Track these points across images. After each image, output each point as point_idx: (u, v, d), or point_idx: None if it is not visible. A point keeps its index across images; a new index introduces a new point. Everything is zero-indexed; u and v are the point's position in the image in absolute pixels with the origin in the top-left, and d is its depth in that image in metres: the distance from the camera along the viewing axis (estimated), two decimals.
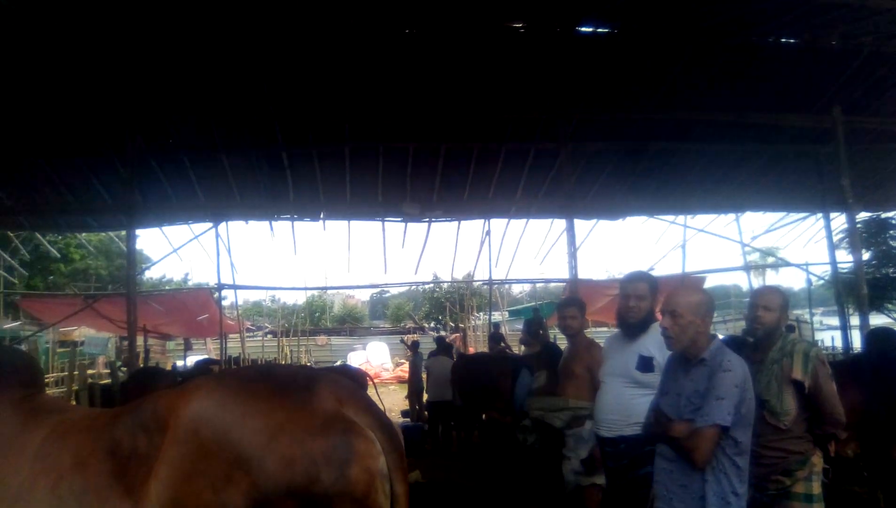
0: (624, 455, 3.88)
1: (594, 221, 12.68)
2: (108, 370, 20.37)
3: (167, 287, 28.48)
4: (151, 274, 31.56)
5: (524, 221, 13.04)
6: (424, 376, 12.46)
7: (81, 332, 21.29)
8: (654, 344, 3.87)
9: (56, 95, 8.44)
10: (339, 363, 21.96)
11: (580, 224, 11.63)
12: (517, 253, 15.32)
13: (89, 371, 13.27)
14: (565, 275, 10.29)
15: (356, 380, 8.01)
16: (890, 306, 11.10)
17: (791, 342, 3.73)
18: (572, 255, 9.40)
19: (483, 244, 13.69)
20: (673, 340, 3.14)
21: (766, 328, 3.75)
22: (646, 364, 3.87)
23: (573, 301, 5.45)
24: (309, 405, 2.24)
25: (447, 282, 30.98)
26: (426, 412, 12.31)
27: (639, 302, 3.99)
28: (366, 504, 2.15)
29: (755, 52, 8.25)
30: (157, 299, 15.04)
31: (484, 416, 10.14)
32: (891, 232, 11.13)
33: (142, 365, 11.30)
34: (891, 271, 11.06)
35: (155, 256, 29.37)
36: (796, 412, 3.58)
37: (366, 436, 2.22)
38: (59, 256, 24.79)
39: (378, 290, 51.78)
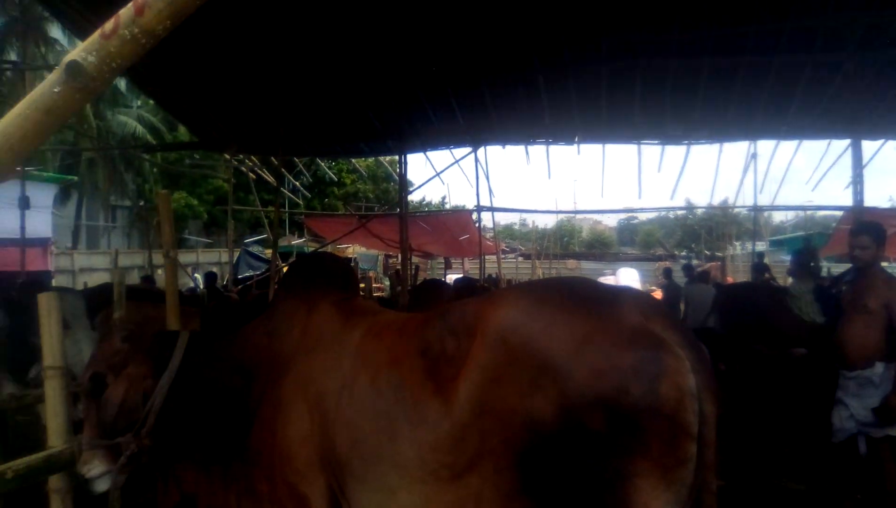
0: None
1: (881, 142, 11.30)
2: (378, 285, 22.31)
3: (426, 209, 30.25)
4: (412, 197, 33.68)
5: (796, 142, 11.99)
6: (682, 304, 12.21)
7: (354, 249, 23.43)
8: None
9: (345, 38, 9.17)
10: None
11: (864, 145, 10.44)
12: (786, 177, 14.03)
13: (360, 286, 14.71)
14: (840, 202, 9.35)
15: None
16: None
17: None
18: (857, 179, 8.49)
19: (747, 168, 12.83)
20: None
21: None
22: None
23: (867, 228, 4.85)
24: (615, 318, 2.21)
25: (703, 208, 29.45)
26: None
27: None
28: (675, 422, 2.06)
29: None
30: (423, 220, 16.03)
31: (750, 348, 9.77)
32: None
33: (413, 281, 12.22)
34: None
35: (415, 179, 31.19)
36: None
37: (675, 353, 2.12)
38: (334, 179, 27.28)
39: (627, 216, 50.72)
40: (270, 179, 15.46)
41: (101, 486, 2.77)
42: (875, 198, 32.35)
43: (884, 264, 15.34)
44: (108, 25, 1.15)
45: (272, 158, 14.29)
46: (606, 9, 8.44)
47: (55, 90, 1.18)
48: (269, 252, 21.28)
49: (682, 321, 2.40)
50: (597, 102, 10.68)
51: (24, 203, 10.20)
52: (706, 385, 2.15)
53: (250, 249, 21.91)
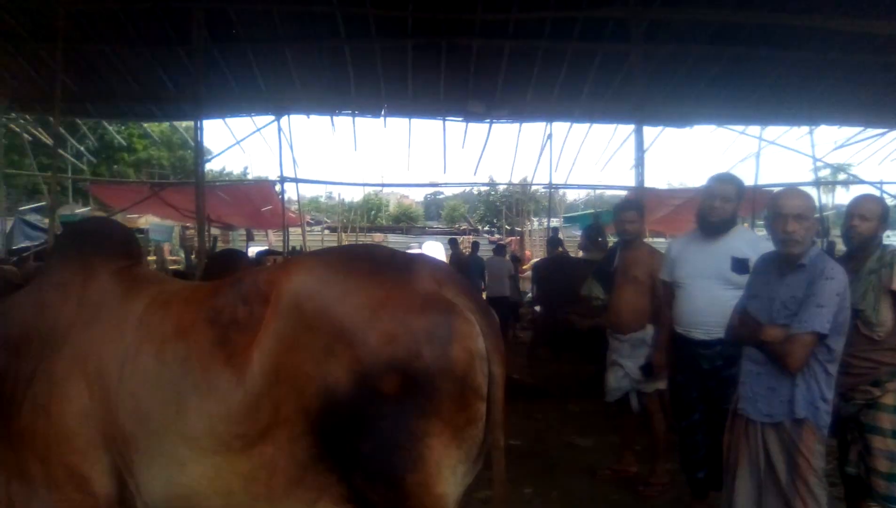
0: (719, 356, 3.93)
1: (660, 128, 12.34)
2: (173, 257, 21.14)
3: (227, 179, 28.95)
4: (211, 166, 32.03)
5: (587, 125, 12.76)
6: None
7: (146, 220, 21.92)
8: (746, 245, 3.91)
9: None
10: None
11: (646, 131, 11.33)
12: (578, 158, 14.98)
13: (151, 258, 13.78)
14: (626, 183, 10.13)
15: None
16: None
17: (890, 252, 3.60)
18: (639, 162, 9.16)
19: (544, 148, 13.47)
20: (799, 243, 3.08)
21: (862, 238, 3.61)
22: (742, 266, 3.87)
23: (633, 204, 5.38)
24: (409, 285, 2.27)
25: (504, 184, 30.74)
26: None
27: (724, 204, 3.96)
28: (465, 383, 2.17)
29: None
30: (222, 190, 15.32)
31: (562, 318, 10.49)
32: None
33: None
34: None
35: (214, 148, 29.46)
36: (892, 323, 3.49)
37: (466, 318, 2.22)
38: (124, 144, 25.28)
39: (433, 191, 51.79)
40: (48, 140, 13.97)
41: None
42: (656, 180, 35.37)
43: (660, 239, 16.88)
44: None
45: (50, 119, 12.92)
46: None
47: None
48: (48, 221, 19.42)
49: (473, 288, 2.45)
50: (403, 77, 10.71)
51: None
52: (495, 348, 2.27)
53: (27, 217, 19.78)
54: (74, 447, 2.47)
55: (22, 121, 13.33)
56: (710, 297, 3.96)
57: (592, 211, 20.54)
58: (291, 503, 2.29)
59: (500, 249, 13.65)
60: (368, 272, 2.31)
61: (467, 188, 42.41)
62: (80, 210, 20.73)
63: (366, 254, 2.54)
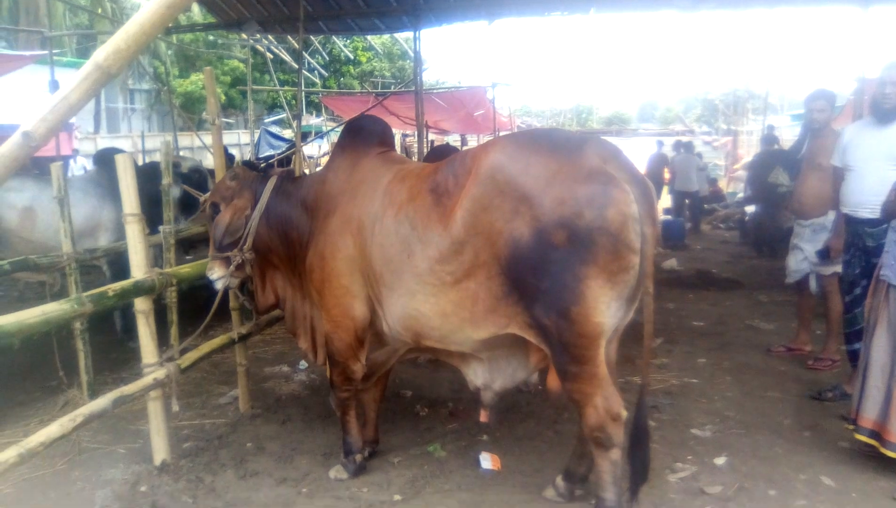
0: (884, 233, 4.09)
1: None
2: None
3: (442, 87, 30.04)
4: (427, 77, 33.18)
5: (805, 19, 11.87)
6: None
7: None
8: None
9: None
10: None
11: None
12: (804, 50, 13.96)
13: None
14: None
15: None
16: None
17: None
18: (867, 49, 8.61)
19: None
20: None
21: None
22: None
23: (823, 94, 5.43)
24: (578, 160, 2.85)
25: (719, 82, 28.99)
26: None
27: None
28: (619, 239, 2.74)
29: None
30: (438, 96, 16.17)
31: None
32: None
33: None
34: None
35: (430, 59, 30.74)
36: None
37: (622, 188, 2.77)
38: (350, 58, 27.06)
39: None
40: (288, 58, 15.54)
41: (219, 285, 3.78)
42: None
43: None
44: None
45: (289, 38, 14.36)
46: None
47: None
48: (287, 132, 21.61)
49: (633, 165, 2.98)
50: None
51: (55, 87, 10.45)
52: (647, 213, 2.82)
53: (270, 129, 22.15)
54: (342, 282, 3.44)
55: (265, 41, 14.90)
56: (879, 178, 4.14)
57: None
58: (488, 326, 3.05)
59: (687, 145, 15.56)
60: (547, 150, 2.91)
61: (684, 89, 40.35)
62: (314, 120, 22.80)
63: (546, 136, 3.16)
